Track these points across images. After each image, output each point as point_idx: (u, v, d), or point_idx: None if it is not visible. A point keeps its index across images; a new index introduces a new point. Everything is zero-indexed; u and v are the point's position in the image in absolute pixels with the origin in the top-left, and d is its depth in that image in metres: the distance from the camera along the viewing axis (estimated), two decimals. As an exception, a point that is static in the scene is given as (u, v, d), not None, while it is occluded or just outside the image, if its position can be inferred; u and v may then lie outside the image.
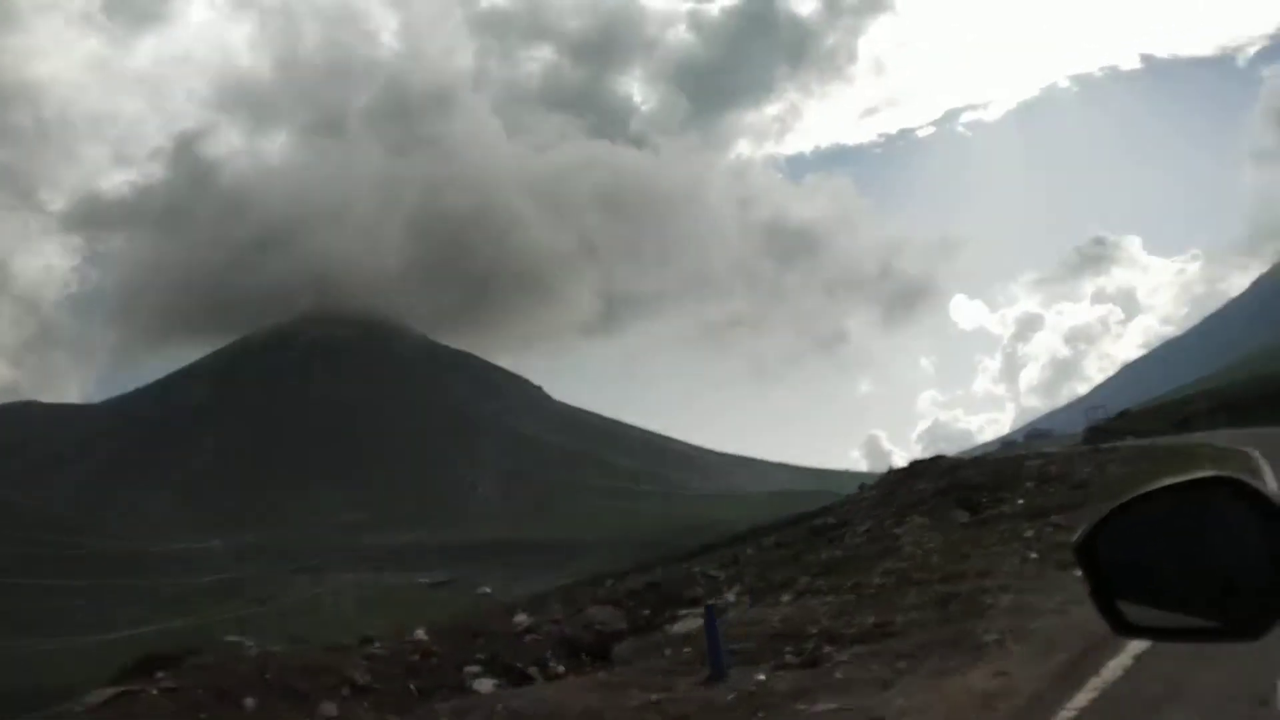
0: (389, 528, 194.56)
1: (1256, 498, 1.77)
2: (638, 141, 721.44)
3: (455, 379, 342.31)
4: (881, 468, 56.97)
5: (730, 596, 17.83)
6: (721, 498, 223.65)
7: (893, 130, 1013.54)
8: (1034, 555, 13.36)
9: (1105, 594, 1.93)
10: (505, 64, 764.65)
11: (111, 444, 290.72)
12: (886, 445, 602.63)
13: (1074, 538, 1.97)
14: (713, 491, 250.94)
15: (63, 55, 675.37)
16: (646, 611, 18.52)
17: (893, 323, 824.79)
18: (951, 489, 29.61)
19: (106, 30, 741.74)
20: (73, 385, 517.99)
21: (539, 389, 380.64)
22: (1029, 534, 16.37)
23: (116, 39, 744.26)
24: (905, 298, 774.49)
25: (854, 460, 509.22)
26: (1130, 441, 51.19)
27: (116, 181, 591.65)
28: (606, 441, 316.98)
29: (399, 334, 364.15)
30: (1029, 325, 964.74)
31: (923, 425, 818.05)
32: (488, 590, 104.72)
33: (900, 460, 49.23)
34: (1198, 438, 42.20)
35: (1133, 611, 1.91)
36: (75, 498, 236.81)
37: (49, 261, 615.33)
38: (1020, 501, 23.74)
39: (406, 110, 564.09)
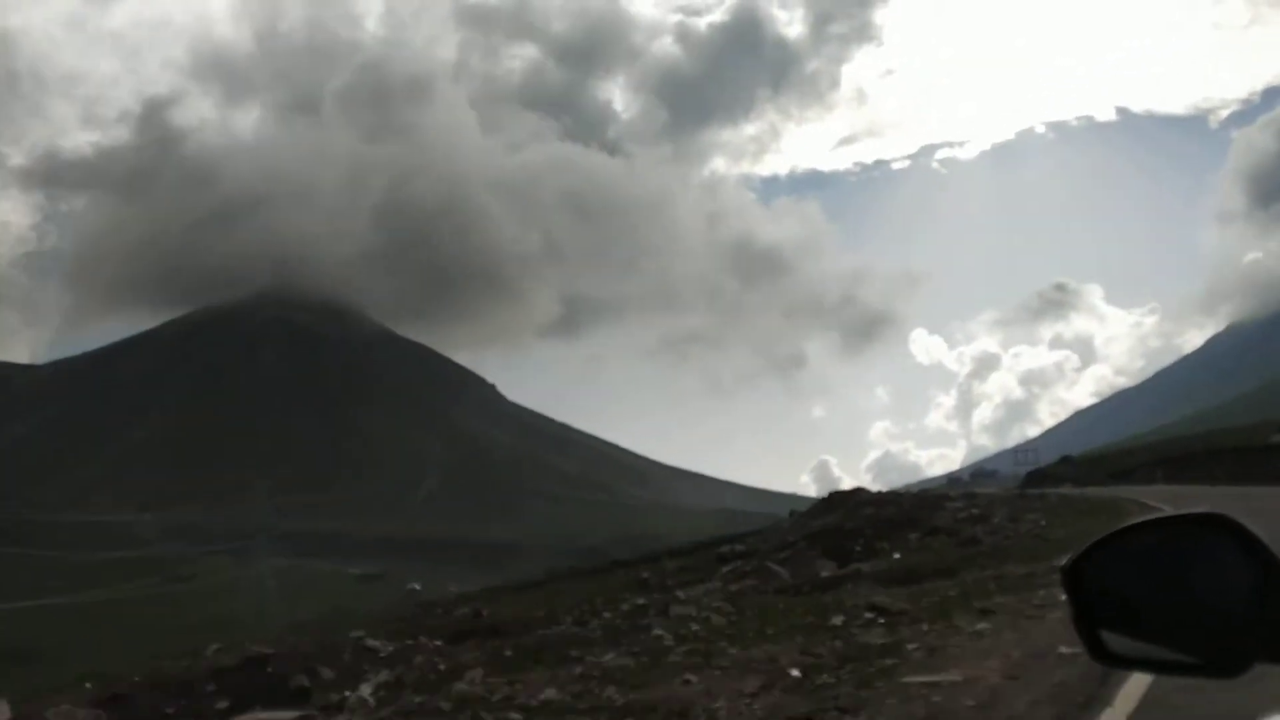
0: (327, 515, 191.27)
1: (1246, 537, 1.78)
2: (612, 148, 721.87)
3: (408, 371, 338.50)
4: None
5: (365, 691, 12.69)
6: (663, 511, 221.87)
7: (869, 160, 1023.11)
8: (795, 673, 9.52)
9: (1088, 621, 1.93)
10: (487, 59, 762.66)
11: (51, 407, 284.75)
12: (837, 472, 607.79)
13: (1062, 562, 1.98)
14: (655, 504, 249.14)
15: (39, 8, 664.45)
16: (225, 705, 13.72)
17: (851, 351, 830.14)
18: (833, 531, 27.87)
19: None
20: (22, 344, 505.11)
21: (492, 387, 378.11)
22: (837, 621, 12.34)
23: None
24: (865, 327, 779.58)
25: (803, 485, 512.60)
26: (1065, 489, 50.69)
27: (80, 141, 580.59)
28: (555, 445, 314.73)
29: (355, 320, 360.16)
30: (986, 364, 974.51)
31: (874, 454, 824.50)
32: (417, 587, 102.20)
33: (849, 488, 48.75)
34: (1134, 491, 41.37)
35: (1114, 641, 1.91)
36: (4, 459, 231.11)
37: (6, 218, 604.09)
38: (897, 556, 21.53)
39: (383, 96, 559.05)
